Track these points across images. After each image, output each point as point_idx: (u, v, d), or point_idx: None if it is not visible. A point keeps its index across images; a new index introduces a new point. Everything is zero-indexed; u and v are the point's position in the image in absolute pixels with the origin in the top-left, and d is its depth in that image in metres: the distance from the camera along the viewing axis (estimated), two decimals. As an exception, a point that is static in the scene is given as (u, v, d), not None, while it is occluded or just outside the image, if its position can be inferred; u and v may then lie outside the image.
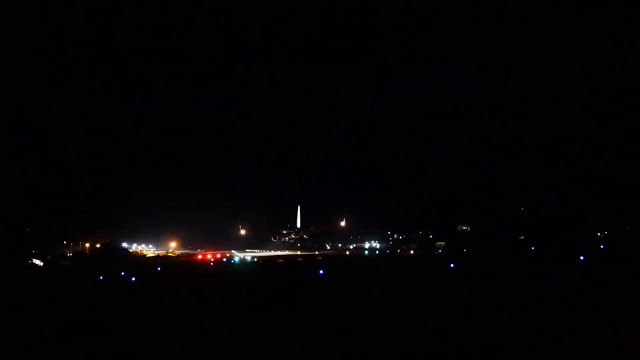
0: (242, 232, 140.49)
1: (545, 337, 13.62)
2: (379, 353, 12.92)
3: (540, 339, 13.46)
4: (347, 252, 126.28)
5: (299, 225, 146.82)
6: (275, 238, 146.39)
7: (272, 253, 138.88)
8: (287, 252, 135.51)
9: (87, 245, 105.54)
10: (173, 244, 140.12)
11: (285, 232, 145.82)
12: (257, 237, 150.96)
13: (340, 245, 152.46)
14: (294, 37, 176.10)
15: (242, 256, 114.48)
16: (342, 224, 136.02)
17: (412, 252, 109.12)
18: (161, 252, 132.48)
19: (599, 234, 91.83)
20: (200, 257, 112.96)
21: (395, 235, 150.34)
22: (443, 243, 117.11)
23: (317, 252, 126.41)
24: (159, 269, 67.17)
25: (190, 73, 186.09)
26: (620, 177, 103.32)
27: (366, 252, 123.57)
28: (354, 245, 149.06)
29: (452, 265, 47.55)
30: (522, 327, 15.21)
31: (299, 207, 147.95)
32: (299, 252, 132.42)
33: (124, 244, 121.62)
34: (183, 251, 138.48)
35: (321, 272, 45.48)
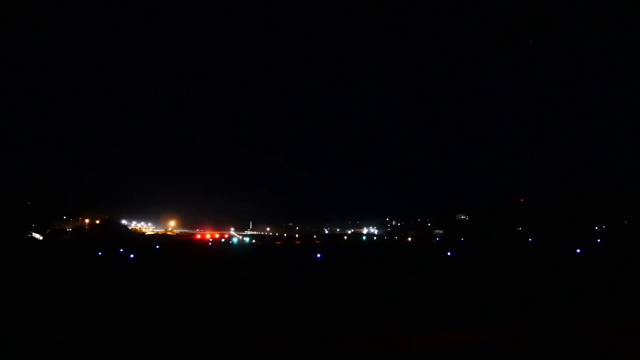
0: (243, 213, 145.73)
1: (535, 325, 13.75)
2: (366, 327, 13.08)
3: (530, 325, 13.60)
4: (345, 237, 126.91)
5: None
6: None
7: (271, 234, 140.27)
8: (285, 235, 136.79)
9: (87, 221, 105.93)
10: (172, 223, 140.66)
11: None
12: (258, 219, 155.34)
13: (338, 230, 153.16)
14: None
15: (240, 237, 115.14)
16: None
17: (409, 239, 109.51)
18: (160, 231, 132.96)
19: (596, 227, 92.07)
20: (199, 236, 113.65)
21: (394, 222, 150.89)
22: (441, 231, 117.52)
23: (314, 236, 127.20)
24: (157, 247, 67.54)
25: (200, 59, 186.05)
26: (618, 171, 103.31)
27: (364, 237, 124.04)
28: (352, 230, 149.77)
29: (448, 253, 47.75)
30: (512, 314, 15.37)
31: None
32: (297, 235, 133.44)
33: (124, 221, 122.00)
34: (182, 230, 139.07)
35: (318, 255, 45.75)
